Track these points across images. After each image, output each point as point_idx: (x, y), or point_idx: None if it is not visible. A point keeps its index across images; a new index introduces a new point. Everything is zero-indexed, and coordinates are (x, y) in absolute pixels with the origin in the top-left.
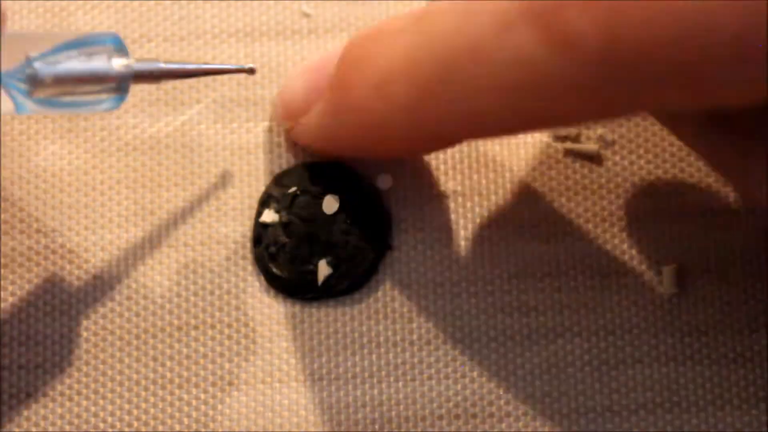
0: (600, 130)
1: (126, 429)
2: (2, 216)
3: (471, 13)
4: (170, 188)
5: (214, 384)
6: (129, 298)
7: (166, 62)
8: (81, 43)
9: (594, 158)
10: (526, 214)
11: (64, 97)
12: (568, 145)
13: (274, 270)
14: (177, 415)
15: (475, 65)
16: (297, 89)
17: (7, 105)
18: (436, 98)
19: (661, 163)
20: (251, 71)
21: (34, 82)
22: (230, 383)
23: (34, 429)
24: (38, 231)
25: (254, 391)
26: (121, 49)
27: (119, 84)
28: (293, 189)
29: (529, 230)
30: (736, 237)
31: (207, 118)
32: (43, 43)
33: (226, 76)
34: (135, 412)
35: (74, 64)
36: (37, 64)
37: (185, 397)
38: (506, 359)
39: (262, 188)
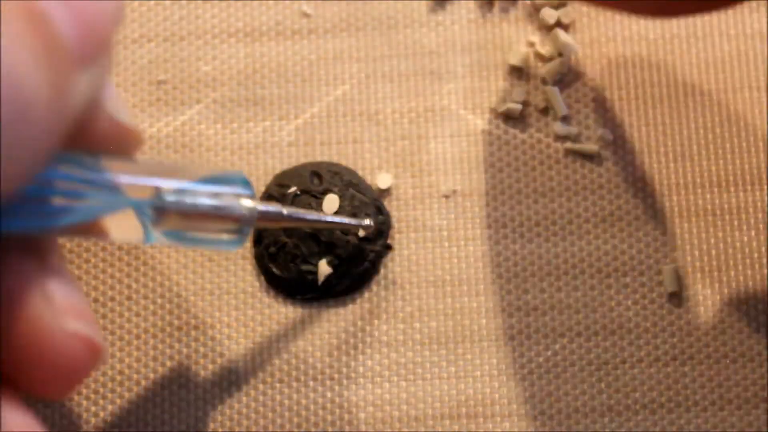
0: (600, 131)
1: (126, 429)
2: None
3: None
4: None
5: (214, 384)
6: (129, 298)
7: (287, 208)
8: (212, 180)
9: (594, 158)
10: (525, 214)
11: (190, 232)
12: (569, 145)
13: (274, 270)
14: (178, 415)
15: None
16: None
17: (138, 234)
18: None
19: (660, 163)
20: (369, 227)
21: (161, 213)
22: (230, 383)
23: None
24: None
25: (254, 391)
26: (247, 190)
27: (243, 224)
28: (293, 189)
29: (529, 230)
30: (736, 237)
31: (207, 118)
32: (174, 174)
33: (226, 76)
34: (135, 412)
35: (201, 200)
36: (166, 196)
37: (185, 397)
38: (507, 359)
39: (262, 188)
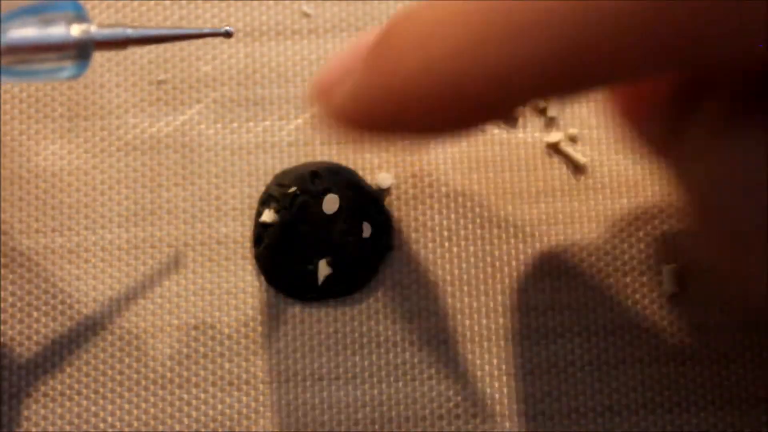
0: (595, 133)
1: (126, 429)
2: (2, 216)
3: None
4: (170, 188)
5: (214, 384)
6: (129, 298)
7: (132, 27)
8: (38, 10)
9: (579, 168)
10: (526, 214)
11: (21, 66)
12: (562, 146)
13: (274, 270)
14: (177, 415)
15: None
16: (334, 62)
17: None
18: (491, 38)
19: (660, 163)
20: (228, 35)
21: None
22: (230, 383)
23: (34, 429)
24: (38, 231)
25: (254, 391)
26: (80, 15)
27: (79, 51)
28: (293, 189)
29: (529, 230)
30: None
31: (207, 118)
32: None
33: (226, 76)
34: (135, 412)
35: (29, 31)
36: None
37: (185, 397)
38: (506, 359)
39: (262, 188)
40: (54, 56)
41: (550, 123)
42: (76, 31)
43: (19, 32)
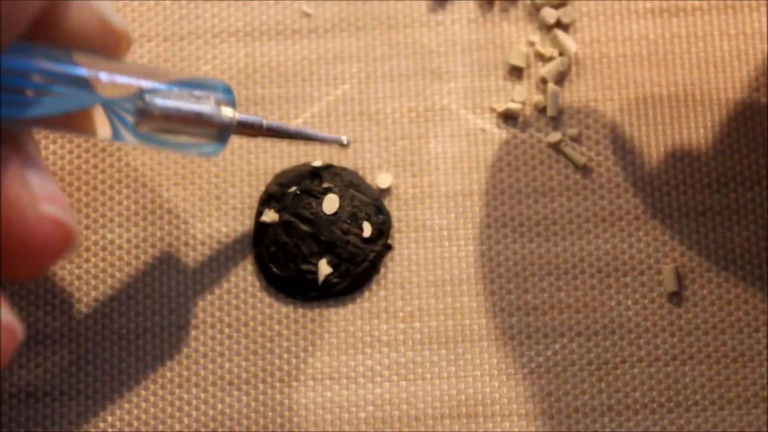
0: (600, 131)
1: (126, 429)
2: None
3: None
4: (170, 188)
5: (214, 384)
6: (129, 297)
7: (268, 120)
8: (192, 85)
9: (579, 168)
10: (525, 214)
11: (165, 135)
12: (562, 146)
13: (274, 270)
14: (177, 415)
15: None
16: None
17: (105, 131)
18: None
19: (660, 163)
20: (343, 145)
21: (143, 113)
22: (230, 383)
23: (34, 429)
24: None
25: (254, 391)
26: (229, 98)
27: (221, 131)
28: (293, 188)
29: (529, 230)
30: (736, 237)
31: None
32: (155, 77)
33: (226, 75)
34: (135, 412)
35: (183, 103)
36: (147, 97)
37: (185, 397)
38: (507, 359)
39: (262, 188)
40: (197, 131)
41: (550, 123)
42: (225, 112)
43: (175, 102)
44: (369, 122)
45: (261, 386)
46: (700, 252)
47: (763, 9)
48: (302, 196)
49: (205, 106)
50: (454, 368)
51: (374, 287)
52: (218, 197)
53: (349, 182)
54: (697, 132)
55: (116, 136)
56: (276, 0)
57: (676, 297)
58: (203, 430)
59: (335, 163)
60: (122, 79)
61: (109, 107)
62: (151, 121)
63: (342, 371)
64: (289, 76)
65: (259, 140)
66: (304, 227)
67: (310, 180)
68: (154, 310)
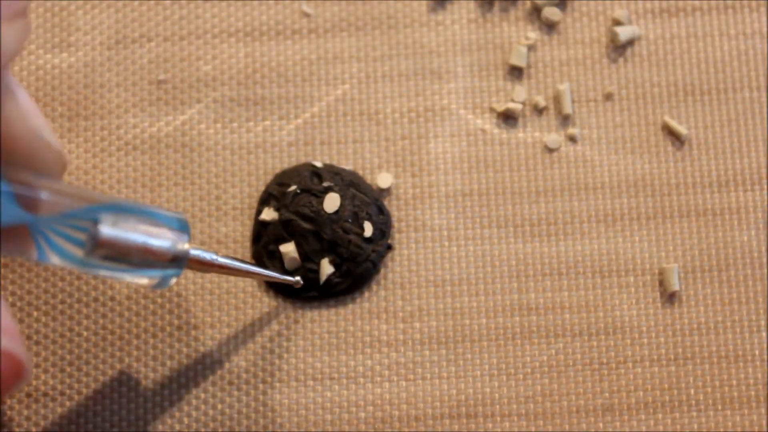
0: (600, 130)
1: (127, 429)
2: None
3: None
4: (170, 188)
5: (214, 384)
6: (129, 297)
7: (222, 256)
8: (149, 213)
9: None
10: (525, 214)
11: (111, 262)
12: (562, 146)
13: (272, 268)
14: (177, 414)
15: None
16: None
17: (32, 252)
18: None
19: (660, 163)
20: (298, 284)
21: (94, 242)
22: (230, 383)
23: (34, 429)
24: None
25: (255, 391)
26: (184, 231)
27: (174, 264)
28: (293, 187)
29: (529, 230)
30: (736, 237)
31: (207, 117)
32: (101, 201)
33: (226, 75)
34: (135, 412)
35: (136, 235)
36: (102, 226)
37: (186, 397)
38: (507, 359)
39: (262, 188)
40: (148, 261)
41: (550, 123)
42: (179, 245)
43: (125, 229)
44: (369, 122)
45: (261, 386)
46: (700, 252)
47: (763, 9)
48: (302, 195)
49: (160, 236)
50: (454, 368)
51: (374, 287)
52: (218, 197)
53: (349, 182)
54: (697, 132)
55: (41, 256)
56: (276, 0)
57: (676, 297)
58: (203, 430)
59: (335, 163)
60: (61, 200)
61: (35, 228)
62: (101, 250)
63: (342, 371)
64: (289, 76)
65: (259, 140)
66: (306, 225)
67: (310, 179)
68: (154, 309)
